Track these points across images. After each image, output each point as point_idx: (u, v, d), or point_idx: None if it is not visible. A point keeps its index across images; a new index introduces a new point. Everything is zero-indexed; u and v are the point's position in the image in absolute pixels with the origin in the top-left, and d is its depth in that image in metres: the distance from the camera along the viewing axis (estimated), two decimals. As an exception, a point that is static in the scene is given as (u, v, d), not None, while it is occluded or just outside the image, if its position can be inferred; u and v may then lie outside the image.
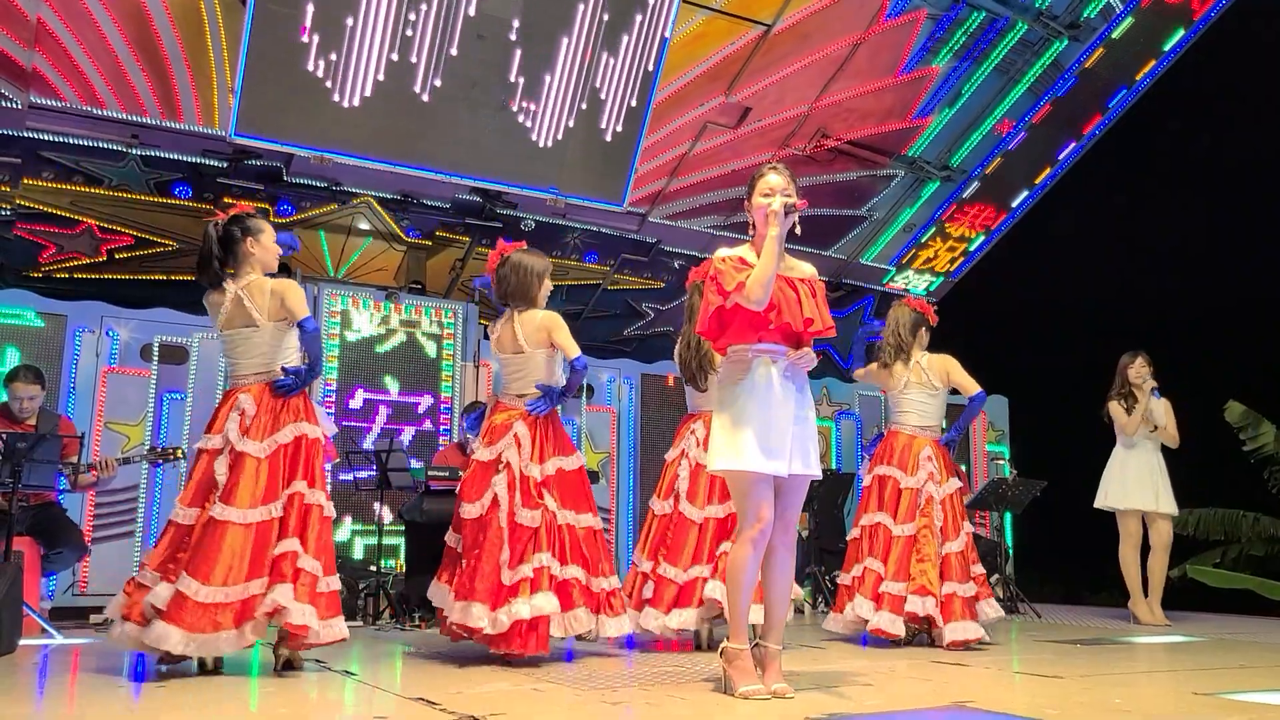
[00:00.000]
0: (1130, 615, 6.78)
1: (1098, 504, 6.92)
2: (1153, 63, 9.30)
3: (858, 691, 3.58)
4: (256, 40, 6.74)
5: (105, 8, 6.87)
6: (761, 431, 3.47)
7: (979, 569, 5.44)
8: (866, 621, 5.20)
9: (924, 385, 5.49)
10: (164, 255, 7.94)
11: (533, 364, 4.58)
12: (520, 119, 7.68)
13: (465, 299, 8.32)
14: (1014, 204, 10.28)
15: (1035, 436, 10.36)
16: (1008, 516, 9.41)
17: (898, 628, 5.12)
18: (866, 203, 9.90)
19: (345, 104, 7.15)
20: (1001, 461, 9.98)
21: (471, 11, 7.16)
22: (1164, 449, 6.83)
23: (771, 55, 8.41)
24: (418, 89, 7.31)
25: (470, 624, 4.21)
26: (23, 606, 4.78)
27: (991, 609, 5.39)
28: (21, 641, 4.67)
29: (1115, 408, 6.84)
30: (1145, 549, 6.80)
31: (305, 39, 6.89)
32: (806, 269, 3.73)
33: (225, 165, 7.56)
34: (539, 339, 4.58)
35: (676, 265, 9.42)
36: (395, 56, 7.13)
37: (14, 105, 6.89)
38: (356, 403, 7.50)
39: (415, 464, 7.23)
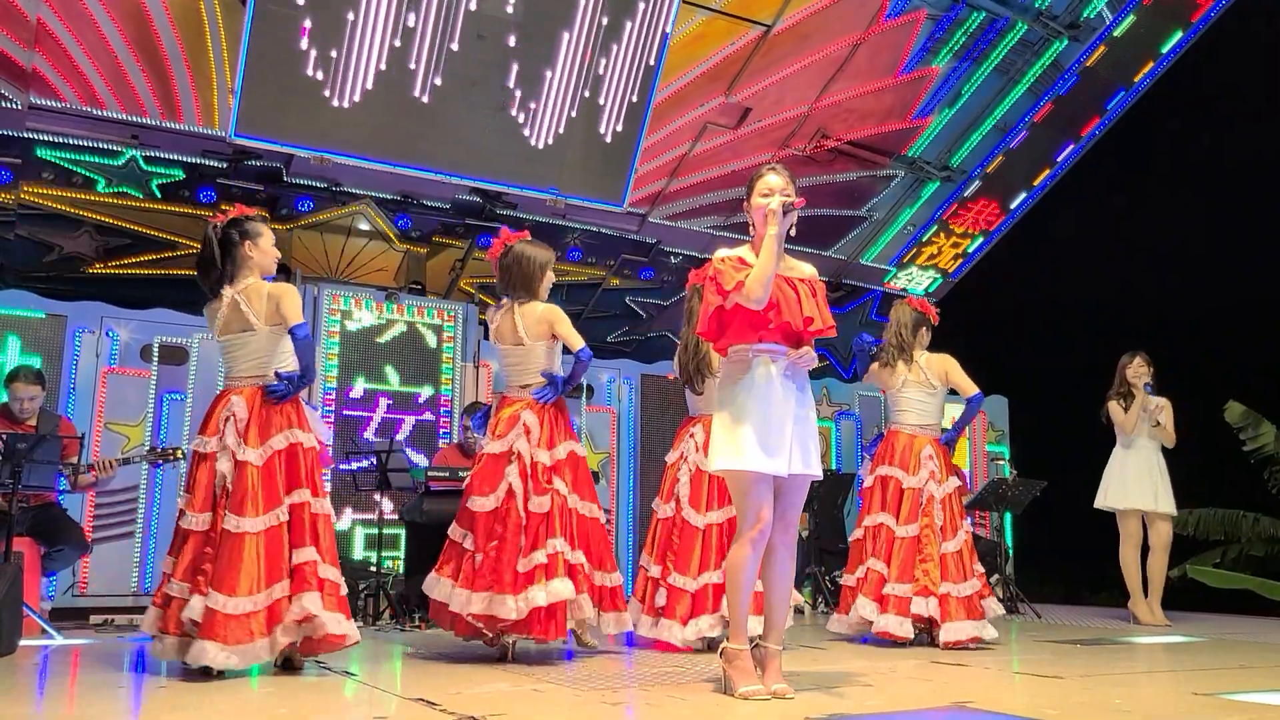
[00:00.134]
0: (1130, 615, 6.78)
1: (1098, 504, 6.92)
2: (1151, 64, 9.31)
3: (858, 692, 3.58)
4: (256, 41, 6.74)
5: (105, 8, 6.87)
6: (761, 430, 3.47)
7: (980, 568, 5.45)
8: (871, 623, 5.21)
9: (922, 384, 5.50)
10: (164, 256, 7.94)
11: (533, 356, 4.59)
12: (520, 119, 7.67)
13: (465, 299, 8.30)
14: (1013, 205, 10.28)
15: (1035, 436, 10.35)
16: (1008, 517, 9.40)
17: (906, 630, 5.12)
18: (866, 203, 9.90)
19: (345, 104, 7.15)
20: (1001, 461, 9.97)
21: (473, 5, 7.15)
22: (1164, 449, 6.85)
23: (771, 55, 8.41)
24: (417, 89, 7.30)
25: (499, 614, 4.23)
26: (23, 607, 4.78)
27: (992, 607, 5.40)
28: (21, 642, 4.66)
29: (1115, 407, 6.84)
30: (1145, 549, 6.81)
31: (305, 40, 6.89)
32: (806, 269, 3.73)
33: (225, 165, 7.57)
34: (539, 331, 4.58)
35: (673, 261, 9.42)
36: (395, 57, 7.13)
37: (14, 106, 6.89)
38: (357, 392, 7.49)
39: (416, 456, 7.25)
